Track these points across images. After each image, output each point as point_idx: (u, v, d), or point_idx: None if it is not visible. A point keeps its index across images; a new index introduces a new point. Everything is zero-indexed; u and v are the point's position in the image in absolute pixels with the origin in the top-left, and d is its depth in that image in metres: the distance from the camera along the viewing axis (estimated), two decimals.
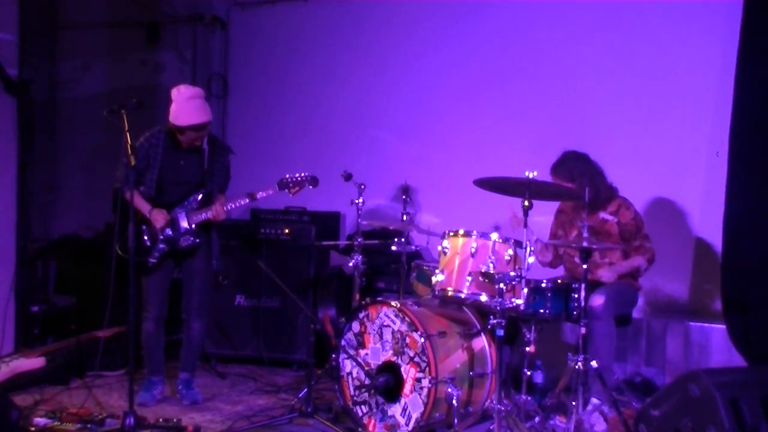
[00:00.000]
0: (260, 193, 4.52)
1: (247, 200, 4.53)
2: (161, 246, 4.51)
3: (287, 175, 4.54)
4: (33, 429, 3.89)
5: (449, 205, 5.88)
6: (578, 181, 4.39)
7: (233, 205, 4.57)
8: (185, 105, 4.38)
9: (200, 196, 4.54)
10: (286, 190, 4.54)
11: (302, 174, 4.54)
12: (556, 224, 4.81)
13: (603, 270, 4.40)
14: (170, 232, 4.51)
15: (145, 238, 4.50)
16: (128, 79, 7.21)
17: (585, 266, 3.93)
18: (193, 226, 4.52)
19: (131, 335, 3.84)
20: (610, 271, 4.41)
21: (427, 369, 3.82)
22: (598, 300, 4.21)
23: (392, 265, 5.37)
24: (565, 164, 4.52)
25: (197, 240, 4.54)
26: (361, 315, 4.16)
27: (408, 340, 3.93)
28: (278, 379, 5.30)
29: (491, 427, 3.70)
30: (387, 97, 6.40)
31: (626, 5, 5.48)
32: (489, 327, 3.96)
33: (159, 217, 4.46)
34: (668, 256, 5.00)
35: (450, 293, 3.99)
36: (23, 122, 5.24)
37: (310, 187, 4.58)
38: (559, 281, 4.08)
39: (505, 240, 3.97)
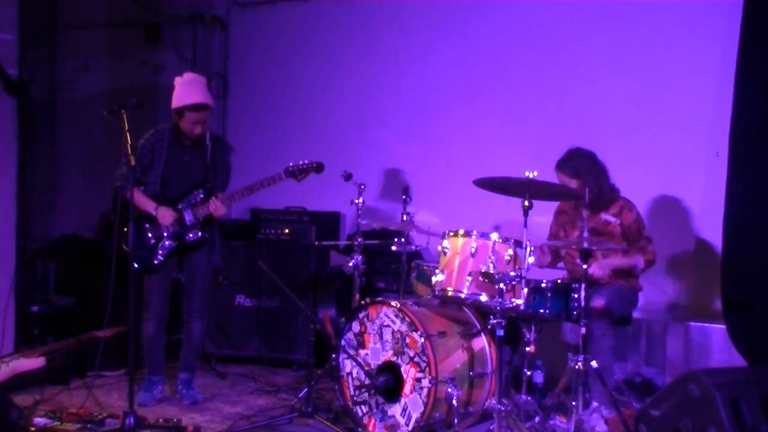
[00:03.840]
0: (265, 182, 4.46)
1: (251, 191, 4.51)
2: (167, 243, 4.51)
3: (291, 163, 4.52)
4: (33, 429, 3.89)
5: (449, 205, 5.88)
6: (583, 179, 4.38)
7: (239, 197, 4.56)
8: (184, 87, 4.47)
9: (203, 191, 4.55)
10: (293, 178, 4.52)
11: (307, 161, 4.52)
12: (557, 225, 4.80)
13: (594, 266, 4.31)
14: (176, 228, 4.51)
15: (149, 236, 4.50)
16: (128, 79, 7.22)
17: (585, 266, 3.93)
18: (199, 220, 4.52)
19: (131, 335, 3.84)
20: (600, 268, 4.36)
21: (427, 369, 3.82)
22: (598, 302, 4.20)
23: (392, 265, 5.37)
24: (571, 161, 4.50)
25: (204, 234, 4.55)
26: (361, 315, 4.16)
27: (408, 340, 3.93)
28: (278, 379, 5.30)
29: (491, 427, 3.70)
30: (387, 97, 6.40)
31: (626, 6, 5.47)
32: (489, 327, 3.96)
33: (166, 214, 4.47)
34: (668, 256, 5.00)
35: (450, 293, 3.99)
36: (23, 122, 5.25)
37: (315, 173, 4.55)
38: (559, 281, 4.08)
39: (505, 240, 3.97)
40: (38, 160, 6.17)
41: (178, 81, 4.52)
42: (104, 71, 7.41)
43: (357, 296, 4.83)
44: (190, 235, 4.54)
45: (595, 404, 3.96)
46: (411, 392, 3.90)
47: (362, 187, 4.83)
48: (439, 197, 6.00)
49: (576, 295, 3.97)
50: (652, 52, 5.38)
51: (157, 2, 7.17)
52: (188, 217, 4.53)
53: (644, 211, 5.06)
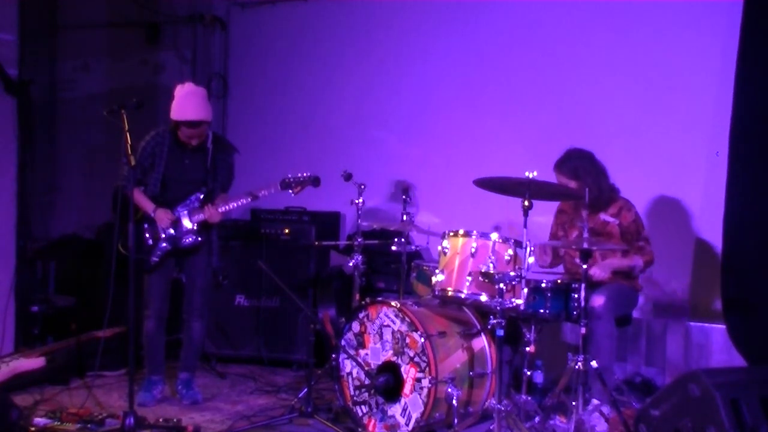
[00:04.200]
0: (262, 191, 4.53)
1: (248, 199, 4.54)
2: (163, 245, 4.51)
3: (289, 175, 4.55)
4: (33, 429, 3.89)
5: (449, 205, 5.88)
6: (582, 180, 4.38)
7: (234, 204, 4.58)
8: (182, 101, 4.44)
9: (201, 195, 4.55)
10: (289, 190, 4.55)
11: (304, 174, 4.55)
12: (556, 224, 4.80)
13: (595, 268, 4.32)
14: (173, 231, 4.51)
15: (147, 236, 4.50)
16: (128, 79, 7.22)
17: (585, 267, 3.93)
18: (195, 225, 4.53)
19: (131, 335, 3.84)
20: (601, 269, 4.36)
21: (427, 369, 3.82)
22: (598, 300, 4.20)
23: (392, 265, 5.37)
24: (570, 161, 4.50)
25: (199, 239, 4.55)
26: (361, 315, 4.16)
27: (408, 340, 3.93)
28: (278, 379, 5.30)
29: (491, 427, 3.70)
30: (387, 97, 6.39)
31: (626, 6, 5.47)
32: (489, 327, 3.96)
33: (164, 217, 4.48)
34: (668, 256, 4.99)
35: (450, 293, 3.99)
36: (23, 122, 5.26)
37: (312, 187, 4.58)
38: (559, 281, 4.08)
39: (505, 240, 3.97)
40: (38, 160, 6.17)
41: (177, 90, 4.47)
42: (104, 71, 7.41)
43: (357, 296, 4.84)
44: (186, 240, 4.54)
45: (595, 402, 3.96)
46: (411, 392, 3.90)
47: (362, 187, 4.83)
48: (439, 197, 6.01)
49: (576, 295, 3.97)
50: (652, 52, 5.37)
51: (157, 2, 7.17)
52: (184, 221, 4.53)
53: (644, 211, 5.06)
